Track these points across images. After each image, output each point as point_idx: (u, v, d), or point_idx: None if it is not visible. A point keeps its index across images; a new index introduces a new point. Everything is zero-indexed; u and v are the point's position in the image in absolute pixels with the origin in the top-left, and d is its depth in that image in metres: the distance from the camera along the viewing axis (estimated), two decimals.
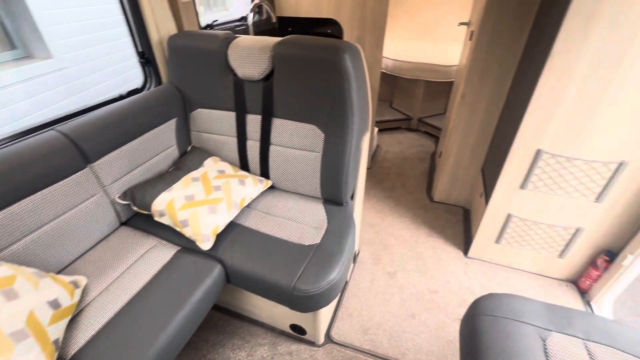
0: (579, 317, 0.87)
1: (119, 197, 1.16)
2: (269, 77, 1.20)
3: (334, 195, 1.28)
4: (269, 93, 1.22)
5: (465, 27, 2.13)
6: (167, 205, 1.09)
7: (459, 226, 1.96)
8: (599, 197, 1.31)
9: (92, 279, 0.99)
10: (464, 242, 1.83)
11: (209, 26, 1.69)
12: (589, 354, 0.79)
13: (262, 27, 2.06)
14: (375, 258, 1.74)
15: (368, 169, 2.54)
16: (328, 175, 1.24)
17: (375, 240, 1.85)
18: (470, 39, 1.71)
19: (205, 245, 1.07)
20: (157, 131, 1.28)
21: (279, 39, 1.16)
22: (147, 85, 1.40)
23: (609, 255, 1.41)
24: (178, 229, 1.10)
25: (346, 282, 1.59)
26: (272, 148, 1.30)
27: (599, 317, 0.88)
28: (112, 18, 3.15)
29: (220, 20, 1.81)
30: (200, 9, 5.75)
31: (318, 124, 1.19)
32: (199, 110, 1.37)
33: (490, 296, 0.94)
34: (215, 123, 1.36)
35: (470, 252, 1.73)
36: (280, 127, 1.26)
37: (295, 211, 1.25)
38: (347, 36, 2.07)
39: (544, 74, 1.15)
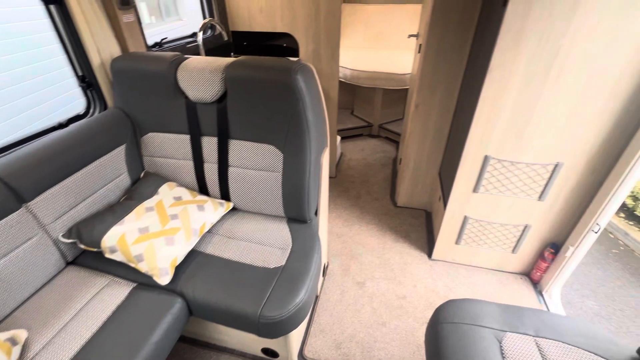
0: (529, 315, 0.94)
1: (63, 235, 1.07)
2: (222, 99, 1.18)
3: (297, 214, 1.27)
4: (223, 115, 1.19)
5: (414, 38, 2.23)
6: (118, 240, 1.03)
7: (422, 229, 2.03)
8: (541, 196, 1.43)
9: (35, 330, 0.90)
10: (428, 244, 1.91)
11: (158, 44, 1.62)
12: (539, 349, 0.85)
13: (215, 43, 2.02)
14: (344, 269, 1.75)
15: (333, 178, 2.57)
16: (290, 194, 1.23)
17: (343, 251, 1.87)
18: (419, 52, 1.80)
19: (164, 279, 1.02)
20: (104, 160, 1.20)
21: (231, 60, 1.15)
22: (91, 111, 1.31)
23: (554, 247, 1.54)
24: (132, 265, 1.03)
25: (317, 297, 1.59)
26: (230, 170, 1.27)
27: (547, 313, 0.96)
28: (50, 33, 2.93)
29: (171, 37, 1.75)
30: (151, 19, 5.53)
31: (276, 144, 1.18)
32: (151, 134, 1.31)
33: (449, 303, 0.99)
34: (169, 147, 1.30)
35: (434, 254, 1.80)
36: (238, 148, 1.23)
37: (258, 233, 1.23)
38: (303, 49, 2.09)
39: (484, 87, 1.24)
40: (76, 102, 3.21)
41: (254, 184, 1.26)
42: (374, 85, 2.89)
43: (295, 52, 2.11)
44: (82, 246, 1.07)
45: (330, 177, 2.57)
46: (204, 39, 1.93)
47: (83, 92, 1.29)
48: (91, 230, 1.05)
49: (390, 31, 3.39)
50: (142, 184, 1.27)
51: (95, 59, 1.23)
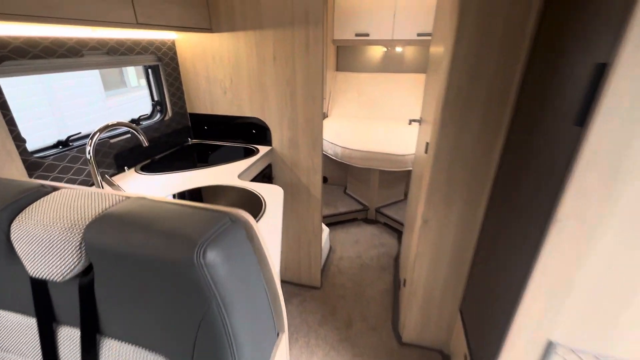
0: None
1: None
2: (88, 271, 0.66)
3: None
4: (88, 296, 0.67)
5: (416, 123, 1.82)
6: None
7: None
8: None
9: None
10: None
11: (62, 144, 1.16)
12: None
13: (173, 127, 1.59)
14: None
15: (317, 289, 1.98)
16: None
17: None
18: (426, 152, 1.34)
19: None
20: None
21: (99, 207, 0.65)
22: None
23: None
24: None
25: None
26: None
27: None
28: None
29: (87, 131, 1.26)
30: (140, 82, 5.36)
31: (175, 357, 0.64)
32: None
33: None
34: (4, 334, 0.76)
35: None
36: (114, 353, 0.68)
37: None
38: (277, 138, 1.65)
39: (546, 243, 0.73)
40: None
41: None
42: (369, 166, 2.44)
43: (268, 137, 1.68)
44: None
45: (315, 288, 1.99)
46: (147, 126, 1.48)
47: None
48: None
49: (386, 100, 3.07)
50: None
51: None
